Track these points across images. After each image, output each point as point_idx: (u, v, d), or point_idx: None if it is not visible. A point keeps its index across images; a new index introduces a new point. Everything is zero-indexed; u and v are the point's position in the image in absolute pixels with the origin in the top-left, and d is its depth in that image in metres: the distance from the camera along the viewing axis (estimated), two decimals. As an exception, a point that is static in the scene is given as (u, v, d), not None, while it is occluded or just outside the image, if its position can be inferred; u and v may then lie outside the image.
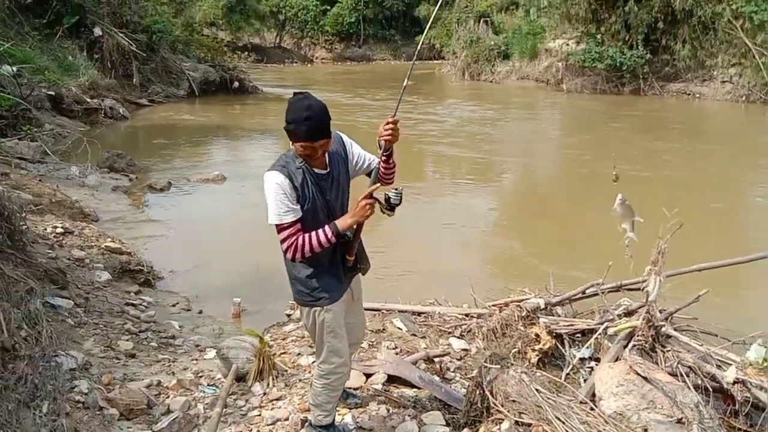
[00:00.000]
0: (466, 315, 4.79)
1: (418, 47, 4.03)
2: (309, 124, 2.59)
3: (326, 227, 2.71)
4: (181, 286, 6.12)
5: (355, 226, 2.81)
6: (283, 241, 2.72)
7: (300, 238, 2.70)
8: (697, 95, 20.28)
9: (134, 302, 5.36)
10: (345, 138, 2.98)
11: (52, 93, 13.38)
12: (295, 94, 2.68)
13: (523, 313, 4.46)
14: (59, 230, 6.31)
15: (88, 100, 14.56)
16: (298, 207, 2.72)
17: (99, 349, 4.20)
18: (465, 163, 11.81)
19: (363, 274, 3.10)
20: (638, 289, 4.44)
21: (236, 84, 20.27)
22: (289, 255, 2.73)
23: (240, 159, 12.46)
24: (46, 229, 6.22)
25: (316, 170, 2.79)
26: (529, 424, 3.22)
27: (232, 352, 3.95)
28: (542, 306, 4.51)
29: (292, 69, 34.40)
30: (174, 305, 5.60)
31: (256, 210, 8.72)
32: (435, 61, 32.13)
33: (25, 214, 5.35)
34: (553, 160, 13.16)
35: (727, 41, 19.53)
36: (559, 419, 3.16)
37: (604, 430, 3.25)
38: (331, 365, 2.98)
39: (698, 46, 20.13)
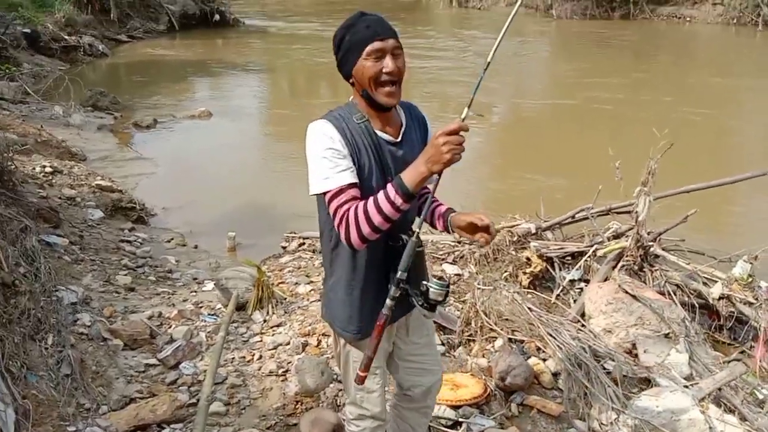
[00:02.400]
0: (459, 242, 4.85)
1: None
2: (367, 18, 1.87)
3: (388, 185, 1.76)
4: (175, 223, 6.14)
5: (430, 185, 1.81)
6: (334, 214, 1.82)
7: (353, 209, 1.78)
8: (688, 18, 19.99)
9: (129, 239, 5.39)
10: (428, 120, 2.12)
11: (28, 31, 12.99)
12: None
13: (515, 238, 4.53)
14: (48, 170, 6.26)
15: (66, 37, 14.15)
16: (354, 167, 1.84)
17: (98, 284, 4.26)
18: (453, 93, 11.68)
19: (427, 314, 1.89)
20: (627, 212, 4.50)
21: (217, 17, 19.66)
22: (343, 234, 1.80)
23: (225, 94, 12.26)
24: (34, 169, 6.18)
25: (382, 134, 1.92)
26: (522, 341, 3.34)
27: (231, 283, 4.02)
28: (533, 231, 4.58)
29: None
30: (169, 241, 5.64)
31: (245, 145, 8.83)
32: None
33: (12, 154, 5.29)
34: (542, 88, 13.06)
35: (719, -38, 19.13)
36: (550, 335, 3.28)
37: (594, 345, 3.37)
38: (360, 410, 2.18)
39: (689, -32, 19.71)
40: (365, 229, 1.75)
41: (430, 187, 1.84)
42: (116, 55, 15.35)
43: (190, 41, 17.46)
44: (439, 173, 1.71)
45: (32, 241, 4.13)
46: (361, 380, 1.91)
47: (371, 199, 1.76)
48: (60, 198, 5.68)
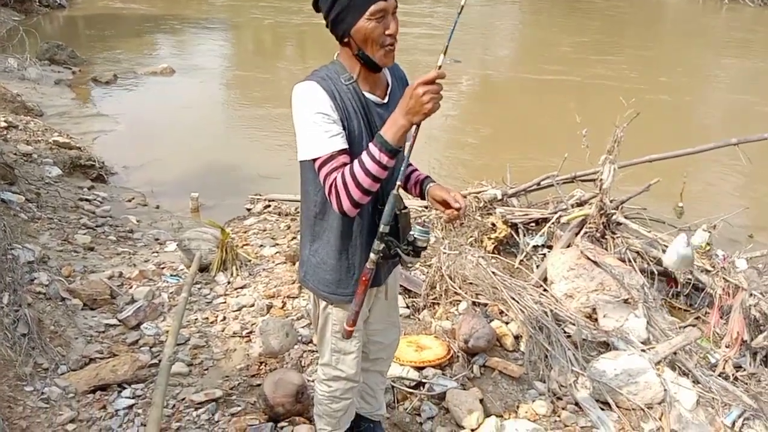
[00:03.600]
0: (426, 207, 4.86)
1: None
2: None
3: (370, 145, 1.71)
4: (136, 182, 6.00)
5: (409, 140, 1.78)
6: (324, 182, 1.77)
7: (340, 176, 1.72)
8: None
9: (88, 197, 5.25)
10: (407, 75, 2.07)
11: (-22, -23, 12.38)
12: None
13: (481, 204, 4.55)
14: (2, 124, 6.04)
15: (21, -14, 13.54)
16: (344, 132, 1.78)
17: (56, 243, 4.14)
18: (420, 61, 11.58)
19: (405, 268, 2.08)
20: (592, 180, 4.56)
21: (181, -30, 19.03)
22: (335, 203, 1.75)
23: (188, 51, 11.94)
24: (-13, 123, 5.94)
25: (369, 96, 1.86)
26: (485, 304, 3.38)
27: (194, 244, 3.95)
28: (499, 197, 4.61)
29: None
30: (130, 200, 5.52)
31: (209, 103, 8.62)
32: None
33: (-38, 107, 5.08)
34: (511, 58, 13.02)
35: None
36: (513, 299, 3.32)
37: (556, 309, 3.43)
38: (335, 371, 2.17)
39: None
40: (356, 194, 1.70)
41: (405, 148, 1.80)
42: (74, 6, 14.77)
43: (153, -6, 16.88)
44: (418, 124, 1.67)
45: (-14, 197, 3.99)
46: (348, 334, 1.93)
47: (356, 162, 1.71)
48: (15, 154, 5.49)
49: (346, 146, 1.77)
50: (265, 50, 12.75)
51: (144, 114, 8.02)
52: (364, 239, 1.94)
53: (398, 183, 1.76)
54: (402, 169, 1.78)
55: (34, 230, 4.25)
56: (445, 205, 1.93)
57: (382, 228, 1.77)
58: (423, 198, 2.05)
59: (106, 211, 5.05)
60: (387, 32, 1.76)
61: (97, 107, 8.03)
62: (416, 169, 2.12)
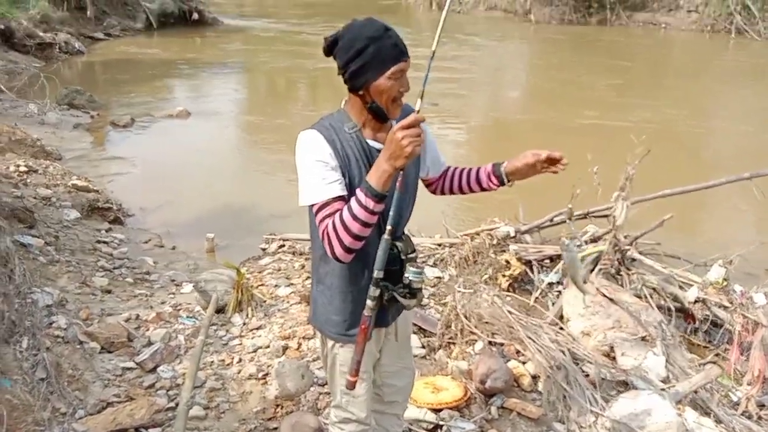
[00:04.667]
0: (439, 245, 4.88)
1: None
2: (392, 34, 1.81)
3: (357, 191, 1.73)
4: (152, 223, 6.07)
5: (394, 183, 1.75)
6: (319, 227, 1.81)
7: (331, 222, 1.76)
8: (663, 25, 20.33)
9: (106, 240, 5.31)
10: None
11: (2, 27, 12.75)
12: (350, 23, 1.87)
13: (494, 241, 4.56)
14: (22, 169, 6.16)
15: (41, 34, 13.91)
16: (343, 179, 1.83)
17: (74, 285, 4.19)
18: (432, 95, 11.72)
19: (408, 309, 2.02)
20: (605, 216, 4.55)
21: (195, 16, 19.51)
22: (328, 249, 1.78)
23: (203, 94, 12.15)
24: (8, 168, 6.06)
25: (373, 143, 1.89)
26: (502, 344, 3.36)
27: (210, 285, 3.98)
28: (512, 234, 4.62)
29: None
30: (146, 242, 5.57)
31: (223, 145, 8.75)
32: (401, -9, 31.29)
33: (-16, 153, 5.20)
34: (521, 93, 13.15)
35: (695, -31, 19.49)
36: (530, 338, 3.30)
37: (572, 347, 3.41)
38: (345, 413, 2.13)
39: (665, -25, 20.06)
40: (346, 239, 1.73)
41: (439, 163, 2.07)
42: (93, 52, 15.14)
43: (168, 39, 17.29)
44: (402, 168, 1.69)
45: (6, 242, 4.05)
46: (351, 385, 1.91)
47: (345, 208, 1.73)
48: (35, 198, 5.59)
49: (343, 193, 1.80)
50: (278, 94, 12.94)
51: (160, 156, 8.15)
52: (363, 280, 1.95)
53: (388, 227, 1.78)
54: (457, 177, 2.14)
55: (52, 273, 4.30)
56: (532, 168, 2.04)
57: (376, 273, 1.80)
58: (503, 184, 2.11)
59: (123, 253, 5.11)
60: (401, 90, 1.83)
61: (115, 150, 8.17)
62: (473, 167, 2.18)
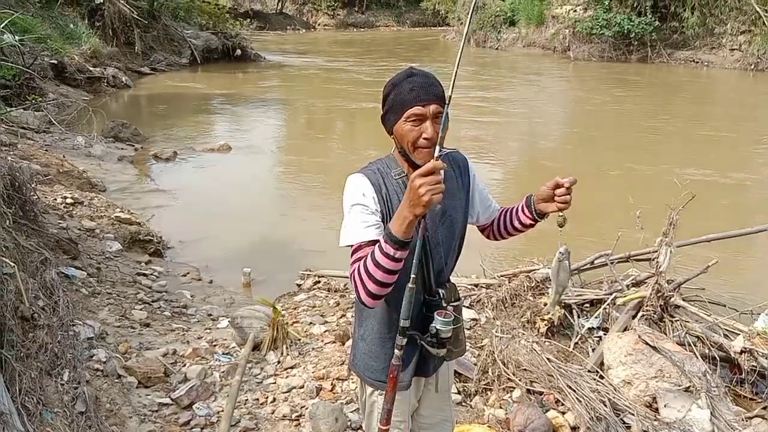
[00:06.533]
0: (475, 285, 4.83)
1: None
2: (414, 80, 1.84)
3: (381, 239, 1.72)
4: (191, 256, 6.16)
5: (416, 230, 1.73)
6: (351, 268, 1.83)
7: (357, 268, 1.77)
8: (705, 63, 20.11)
9: (145, 272, 5.41)
10: (471, 164, 2.12)
11: (55, 62, 13.30)
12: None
13: (532, 284, 4.49)
14: (69, 200, 6.34)
15: (91, 68, 14.49)
16: (381, 224, 1.84)
17: (114, 318, 4.26)
18: (468, 134, 11.75)
19: (448, 359, 2.07)
20: (647, 260, 4.47)
21: (238, 52, 20.13)
22: (355, 293, 1.80)
23: (244, 128, 12.41)
24: (55, 200, 6.25)
25: None
26: (541, 393, 3.28)
27: (246, 322, 4.01)
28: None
29: (294, 36, 34.05)
30: (185, 275, 5.65)
31: (262, 180, 8.89)
32: (440, 28, 31.77)
33: (35, 185, 5.36)
34: (558, 132, 13.09)
35: (737, 8, 19.34)
36: (570, 387, 3.22)
37: (614, 398, 3.31)
38: None
39: (707, 13, 19.93)
40: (371, 286, 1.72)
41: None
42: (139, 86, 15.66)
43: (212, 74, 17.81)
44: (423, 216, 1.67)
45: (51, 273, 4.15)
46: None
47: (369, 254, 1.73)
48: (79, 229, 5.73)
49: (379, 238, 1.77)
50: (317, 132, 13.03)
51: (201, 190, 8.32)
52: (410, 329, 1.91)
53: (412, 275, 1.75)
54: (500, 221, 2.11)
55: (94, 305, 4.38)
56: (552, 196, 1.98)
57: (402, 323, 1.78)
58: (540, 216, 2.06)
59: (162, 286, 5.18)
60: (424, 136, 1.82)
61: (157, 183, 8.37)
62: (513, 206, 2.15)
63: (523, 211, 2.09)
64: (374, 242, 1.78)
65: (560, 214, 2.00)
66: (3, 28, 10.82)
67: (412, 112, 1.81)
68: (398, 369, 1.83)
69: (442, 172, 1.62)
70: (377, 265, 1.70)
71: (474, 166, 2.12)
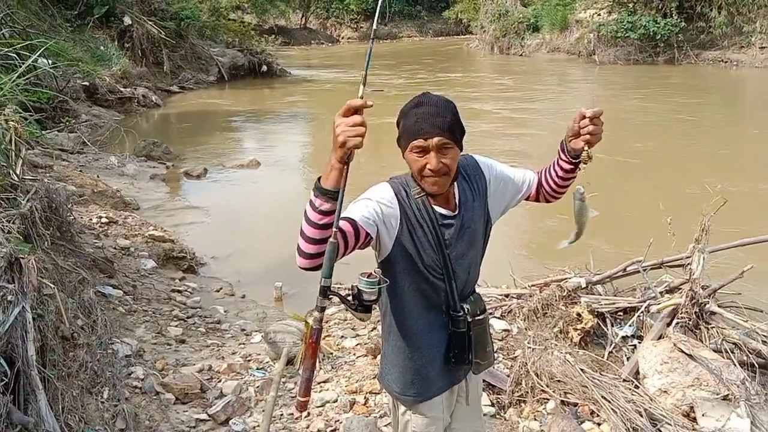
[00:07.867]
0: (506, 296, 4.81)
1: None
2: (419, 111, 1.85)
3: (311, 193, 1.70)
4: (224, 272, 6.25)
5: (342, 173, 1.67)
6: None
7: None
8: (735, 63, 19.78)
9: (180, 289, 5.51)
10: (483, 161, 2.09)
11: (87, 83, 13.64)
12: None
13: (564, 293, 4.46)
14: (104, 220, 6.48)
15: (122, 89, 14.80)
16: (372, 224, 1.84)
17: (150, 335, 4.34)
18: (496, 141, 11.71)
19: (476, 372, 2.11)
20: (680, 266, 4.40)
21: (264, 68, 20.41)
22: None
23: (272, 144, 12.57)
24: (91, 219, 6.39)
25: (439, 209, 1.94)
26: (575, 404, 3.26)
27: (279, 336, 4.06)
28: (583, 285, 4.51)
29: (319, 50, 34.41)
30: (218, 290, 5.74)
31: (291, 194, 8.97)
32: (462, 36, 31.81)
33: (71, 205, 5.50)
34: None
35: (765, 5, 18.97)
36: (604, 398, 3.19)
37: (650, 408, 3.27)
38: None
39: (735, 12, 19.62)
40: (302, 244, 1.70)
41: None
42: (168, 105, 15.96)
43: (239, 91, 18.06)
44: (343, 161, 1.63)
45: (89, 292, 4.25)
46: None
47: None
48: (115, 248, 5.86)
49: (360, 224, 1.79)
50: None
51: (231, 206, 8.44)
52: (427, 339, 2.00)
53: (334, 229, 1.68)
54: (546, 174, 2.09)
55: (130, 323, 4.48)
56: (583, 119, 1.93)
57: (324, 281, 1.71)
58: (575, 157, 2.02)
59: (196, 302, 5.27)
60: (428, 167, 1.86)
61: (189, 200, 8.52)
62: (554, 159, 2.11)
63: (560, 156, 2.06)
64: (352, 222, 1.78)
65: (586, 149, 1.96)
66: (38, 54, 11.19)
67: (415, 144, 1.86)
68: (318, 333, 1.79)
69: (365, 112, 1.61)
70: (307, 220, 1.68)
71: (486, 159, 2.11)
